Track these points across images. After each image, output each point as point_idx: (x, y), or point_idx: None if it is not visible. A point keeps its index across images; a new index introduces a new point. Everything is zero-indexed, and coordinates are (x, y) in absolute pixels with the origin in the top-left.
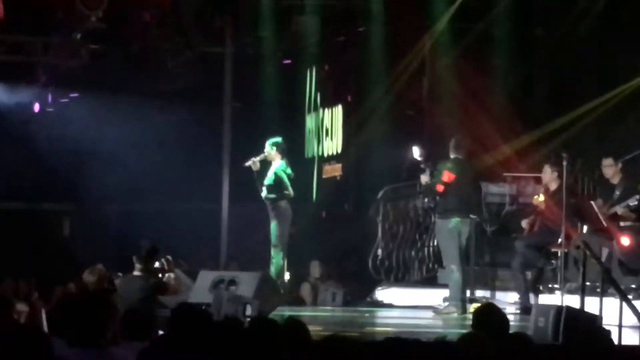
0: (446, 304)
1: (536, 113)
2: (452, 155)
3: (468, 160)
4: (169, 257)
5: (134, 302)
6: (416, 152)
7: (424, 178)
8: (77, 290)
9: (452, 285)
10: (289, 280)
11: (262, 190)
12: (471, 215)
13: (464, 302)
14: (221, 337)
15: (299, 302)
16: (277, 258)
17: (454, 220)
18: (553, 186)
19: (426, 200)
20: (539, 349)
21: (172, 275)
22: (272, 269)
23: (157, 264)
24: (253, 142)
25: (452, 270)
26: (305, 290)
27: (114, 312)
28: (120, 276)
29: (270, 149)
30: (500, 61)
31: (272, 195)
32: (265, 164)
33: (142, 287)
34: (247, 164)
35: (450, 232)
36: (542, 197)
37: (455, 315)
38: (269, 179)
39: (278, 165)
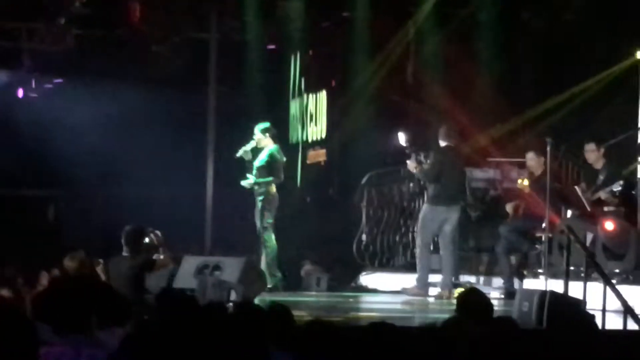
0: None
1: (521, 98)
2: (443, 143)
3: (458, 148)
4: (158, 232)
5: (122, 282)
6: (402, 137)
7: (411, 164)
8: (59, 276)
9: (419, 267)
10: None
11: (251, 177)
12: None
13: (427, 286)
14: (206, 322)
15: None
16: (270, 241)
17: (442, 208)
18: (538, 172)
19: (411, 185)
20: (523, 332)
21: (160, 250)
22: (269, 253)
23: (147, 240)
24: (237, 128)
25: (419, 250)
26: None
27: (99, 296)
28: (101, 262)
29: (261, 135)
30: (485, 46)
31: (263, 180)
32: (256, 151)
33: (130, 266)
34: (239, 154)
35: (433, 218)
36: (526, 182)
37: (421, 297)
38: (261, 160)
39: (272, 148)
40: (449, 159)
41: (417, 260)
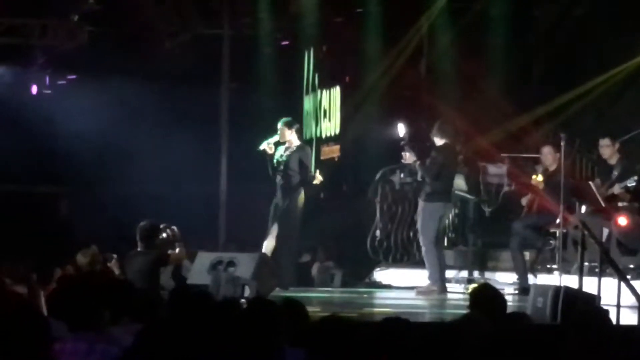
0: (429, 282)
1: (534, 93)
2: (440, 141)
3: (453, 145)
4: (174, 228)
5: (137, 278)
6: (401, 130)
7: (410, 157)
8: (73, 272)
9: (430, 265)
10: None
11: (276, 174)
12: (469, 196)
13: (442, 282)
14: (220, 318)
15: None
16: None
17: (439, 204)
18: (553, 167)
19: (402, 175)
20: (537, 328)
21: (177, 245)
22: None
23: (164, 235)
24: (251, 124)
25: (430, 251)
26: (315, 270)
27: (112, 292)
28: (115, 257)
29: (285, 128)
30: (498, 41)
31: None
32: (277, 145)
33: (143, 262)
34: (262, 147)
35: (432, 215)
36: (540, 177)
37: (436, 295)
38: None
39: (303, 150)
40: (447, 156)
41: (426, 259)
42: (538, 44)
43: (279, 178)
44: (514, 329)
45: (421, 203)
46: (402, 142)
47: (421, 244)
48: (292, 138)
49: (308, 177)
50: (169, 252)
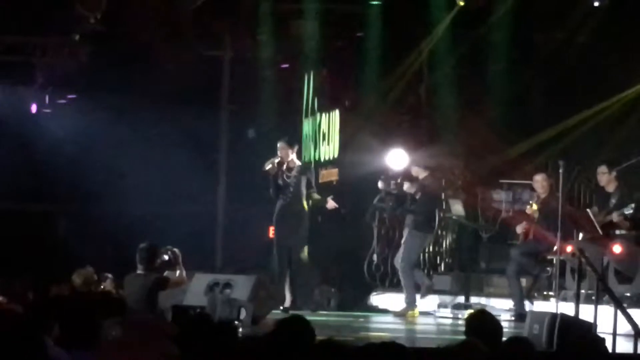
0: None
1: (534, 120)
2: (423, 173)
3: (435, 175)
4: (176, 250)
5: (136, 299)
6: (381, 184)
7: (409, 187)
8: (68, 291)
9: (409, 287)
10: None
11: (281, 196)
12: (467, 222)
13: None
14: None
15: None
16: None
17: (427, 235)
18: (545, 195)
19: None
20: (538, 354)
21: (177, 268)
22: None
23: (165, 257)
24: (249, 146)
25: (409, 275)
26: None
27: (110, 312)
28: (110, 277)
29: (289, 148)
30: (498, 67)
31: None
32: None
33: (142, 284)
34: (267, 167)
35: (420, 243)
36: (535, 207)
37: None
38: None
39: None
40: (433, 187)
41: (404, 283)
42: (538, 71)
43: (286, 201)
44: (514, 354)
45: (412, 231)
46: (401, 174)
47: (400, 268)
48: (293, 157)
49: (316, 199)
50: (169, 275)
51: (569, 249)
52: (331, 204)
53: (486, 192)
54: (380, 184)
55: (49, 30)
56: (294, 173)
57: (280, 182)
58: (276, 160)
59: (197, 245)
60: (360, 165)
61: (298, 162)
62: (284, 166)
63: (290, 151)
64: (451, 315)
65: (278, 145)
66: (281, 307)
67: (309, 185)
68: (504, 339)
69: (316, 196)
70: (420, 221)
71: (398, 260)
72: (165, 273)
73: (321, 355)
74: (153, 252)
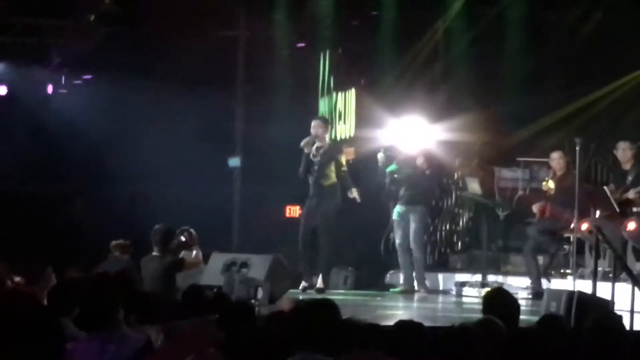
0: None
1: (550, 97)
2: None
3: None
4: (192, 231)
5: (152, 281)
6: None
7: (424, 163)
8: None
9: (420, 269)
10: None
11: (311, 175)
12: (484, 200)
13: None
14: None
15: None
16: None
17: (427, 211)
18: (562, 172)
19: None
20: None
21: (193, 249)
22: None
23: (182, 238)
24: (266, 126)
25: (422, 255)
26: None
27: (127, 294)
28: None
29: (323, 124)
30: (513, 46)
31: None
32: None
33: (157, 266)
34: (303, 144)
35: (426, 220)
36: (551, 183)
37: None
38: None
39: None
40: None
41: (417, 264)
42: (554, 48)
43: (315, 179)
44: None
45: (419, 208)
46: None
47: (414, 248)
48: (326, 136)
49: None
50: (186, 256)
51: (585, 226)
52: (355, 195)
53: (502, 170)
54: (421, 161)
55: (64, 11)
56: (322, 152)
57: (311, 160)
58: (311, 140)
59: (213, 225)
60: (377, 143)
61: (328, 141)
62: (316, 144)
63: (325, 129)
64: (468, 294)
65: (313, 123)
66: (303, 286)
67: (339, 165)
68: (539, 317)
69: (347, 178)
70: (423, 199)
71: (412, 239)
72: (182, 254)
73: (341, 335)
74: (168, 233)
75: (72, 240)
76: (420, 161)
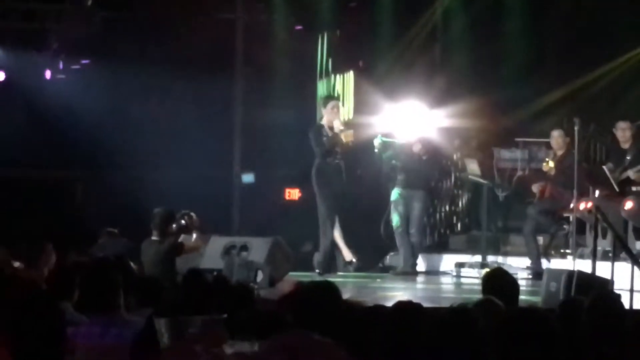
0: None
1: (549, 77)
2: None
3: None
4: (193, 215)
5: (151, 265)
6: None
7: (420, 149)
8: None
9: (416, 251)
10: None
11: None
12: (483, 181)
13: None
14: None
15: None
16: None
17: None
18: (562, 152)
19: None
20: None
21: (193, 233)
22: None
23: (182, 222)
24: (264, 109)
25: (418, 238)
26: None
27: (126, 278)
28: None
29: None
30: (512, 26)
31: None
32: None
33: (156, 251)
34: (338, 128)
35: (427, 203)
36: (551, 164)
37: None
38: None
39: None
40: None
41: (417, 244)
42: (553, 28)
43: (335, 160)
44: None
45: (420, 193)
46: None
47: (414, 232)
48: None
49: None
50: (186, 240)
51: (582, 206)
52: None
53: (501, 150)
54: (419, 147)
55: None
56: (334, 133)
57: (336, 141)
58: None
59: (213, 208)
60: (375, 126)
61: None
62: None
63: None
64: (468, 275)
65: (331, 104)
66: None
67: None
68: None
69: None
70: (423, 183)
71: (412, 224)
72: (182, 238)
73: (340, 316)
74: (167, 217)
75: (73, 225)
76: (417, 147)
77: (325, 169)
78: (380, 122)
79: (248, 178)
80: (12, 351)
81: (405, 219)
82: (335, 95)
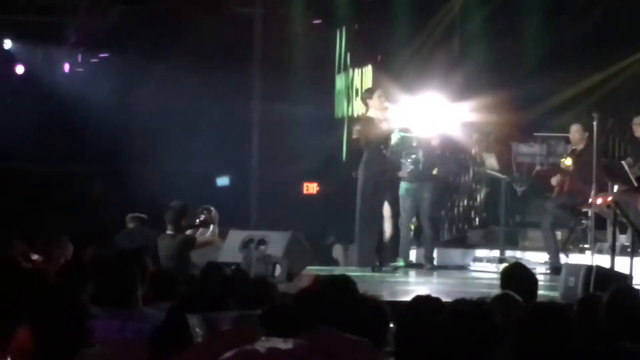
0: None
1: (568, 72)
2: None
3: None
4: (212, 209)
5: (166, 259)
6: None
7: (439, 145)
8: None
9: (428, 244)
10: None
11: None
12: (501, 175)
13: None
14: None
15: (333, 262)
16: None
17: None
18: (580, 146)
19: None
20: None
21: (210, 227)
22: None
23: (202, 216)
24: (282, 103)
25: (429, 230)
26: (338, 251)
27: (144, 272)
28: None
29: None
30: (531, 20)
31: None
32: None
33: (170, 245)
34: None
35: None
36: (568, 161)
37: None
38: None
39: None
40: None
41: (430, 238)
42: (572, 21)
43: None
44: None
45: (428, 184)
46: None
47: (424, 224)
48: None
49: None
50: (203, 233)
51: (599, 201)
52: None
53: (519, 145)
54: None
55: None
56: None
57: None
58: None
59: (231, 202)
60: (393, 120)
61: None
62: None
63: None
64: (486, 269)
65: (377, 93)
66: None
67: None
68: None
69: None
70: (433, 177)
71: (422, 215)
72: (200, 231)
73: (358, 310)
74: (181, 211)
75: (91, 219)
76: (436, 142)
77: (375, 160)
78: (399, 118)
79: (223, 181)
80: (34, 344)
81: (412, 213)
82: (337, 91)
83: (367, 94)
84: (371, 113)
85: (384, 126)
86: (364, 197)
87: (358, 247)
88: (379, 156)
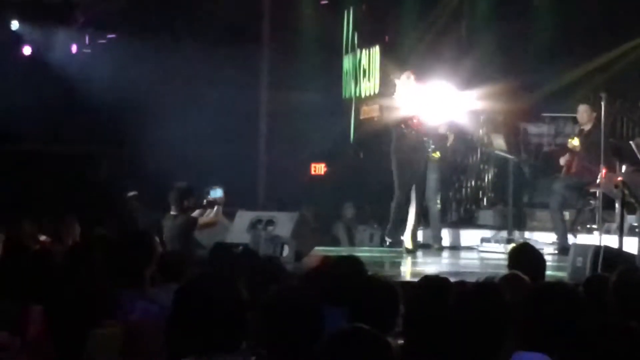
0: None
1: (576, 53)
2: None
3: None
4: (218, 189)
5: (171, 240)
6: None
7: (450, 136)
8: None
9: (435, 223)
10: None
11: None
12: (509, 156)
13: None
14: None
15: (334, 241)
16: None
17: None
18: (588, 127)
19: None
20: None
21: (216, 208)
22: None
23: (209, 197)
24: (290, 84)
25: (436, 204)
26: (340, 230)
27: (152, 253)
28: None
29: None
30: (539, 3)
31: None
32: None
33: (173, 225)
34: None
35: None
36: (576, 141)
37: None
38: None
39: None
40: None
41: (436, 218)
42: (580, 3)
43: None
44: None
45: (433, 165)
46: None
47: (430, 203)
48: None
49: None
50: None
51: (611, 181)
52: None
53: (527, 126)
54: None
55: None
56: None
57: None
58: None
59: (239, 183)
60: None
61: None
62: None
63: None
64: (494, 250)
65: (406, 74)
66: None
67: None
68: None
69: None
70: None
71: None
72: (207, 212)
73: (364, 291)
74: (184, 192)
75: (99, 200)
76: (443, 129)
77: (407, 142)
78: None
79: (216, 193)
80: (48, 324)
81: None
82: (345, 71)
83: (393, 75)
84: (399, 93)
85: (410, 106)
86: (400, 174)
87: (392, 223)
88: (409, 135)
